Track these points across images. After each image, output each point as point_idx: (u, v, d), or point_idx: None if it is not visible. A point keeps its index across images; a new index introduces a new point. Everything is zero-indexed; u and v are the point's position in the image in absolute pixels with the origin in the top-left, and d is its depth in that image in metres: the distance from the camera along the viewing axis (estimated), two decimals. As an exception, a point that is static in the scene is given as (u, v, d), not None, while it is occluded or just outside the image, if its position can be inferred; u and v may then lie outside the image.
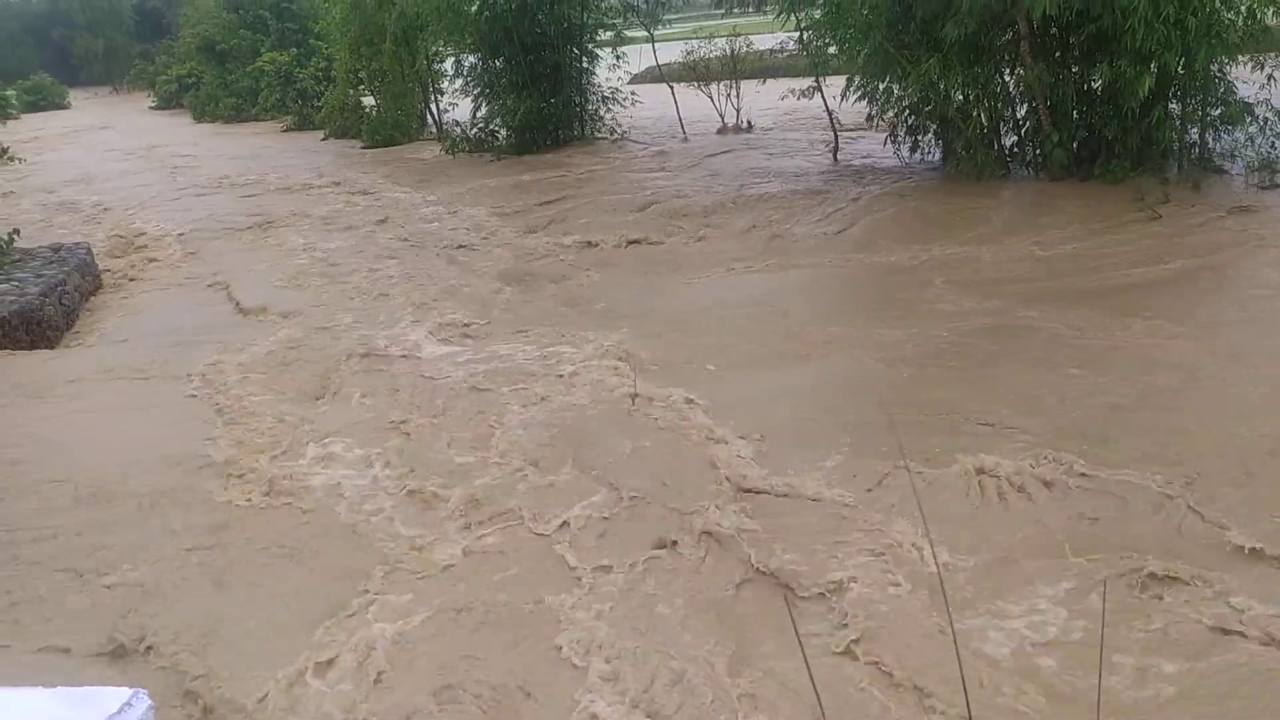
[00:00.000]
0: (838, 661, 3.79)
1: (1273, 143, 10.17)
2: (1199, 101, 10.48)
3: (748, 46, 18.00)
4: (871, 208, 11.16)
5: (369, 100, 23.44)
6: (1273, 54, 10.13)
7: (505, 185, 15.11)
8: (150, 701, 2.12)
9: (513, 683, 3.83)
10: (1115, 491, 4.73)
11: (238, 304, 9.75)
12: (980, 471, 4.98)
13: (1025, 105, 11.46)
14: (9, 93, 28.28)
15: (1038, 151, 11.25)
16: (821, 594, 4.17)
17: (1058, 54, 10.93)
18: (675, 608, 4.20)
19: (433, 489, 5.43)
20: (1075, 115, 10.77)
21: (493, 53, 18.27)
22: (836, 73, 13.84)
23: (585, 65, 18.66)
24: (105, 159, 23.32)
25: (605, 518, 4.98)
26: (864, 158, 13.89)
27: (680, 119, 18.09)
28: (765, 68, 17.71)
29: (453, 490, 5.39)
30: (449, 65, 21.34)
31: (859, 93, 12.82)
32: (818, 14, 13.35)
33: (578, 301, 9.03)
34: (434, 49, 21.47)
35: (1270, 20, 9.93)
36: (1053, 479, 4.88)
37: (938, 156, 12.66)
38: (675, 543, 4.67)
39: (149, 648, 4.21)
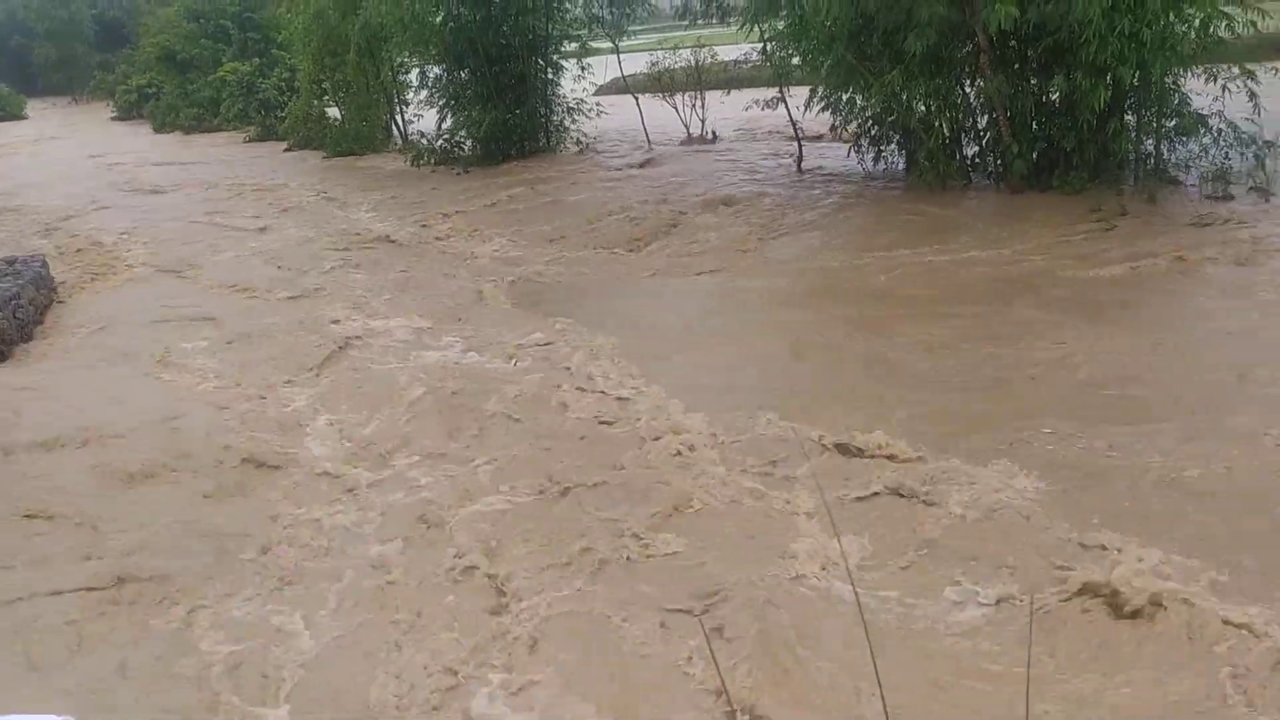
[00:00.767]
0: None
1: (1226, 154, 10.30)
2: (1154, 113, 10.62)
3: (712, 57, 18.03)
4: (833, 216, 11.29)
5: (334, 111, 23.28)
6: (1226, 66, 10.26)
7: (458, 191, 15.52)
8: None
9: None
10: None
11: (189, 317, 9.71)
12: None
13: (986, 116, 11.58)
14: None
15: (999, 162, 11.36)
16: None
17: (1017, 66, 11.05)
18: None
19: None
20: (1034, 126, 10.90)
21: (457, 64, 18.23)
22: (800, 83, 13.90)
23: (550, 76, 18.65)
24: (60, 169, 23.02)
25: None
26: (829, 168, 13.95)
27: (645, 129, 18.10)
28: (730, 78, 17.69)
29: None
30: (414, 76, 21.25)
31: (823, 103, 12.92)
32: (781, 25, 13.39)
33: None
34: (399, 60, 21.37)
35: (1224, 33, 10.06)
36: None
37: (901, 166, 12.75)
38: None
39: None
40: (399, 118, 22.40)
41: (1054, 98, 10.67)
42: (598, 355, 7.49)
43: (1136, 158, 10.90)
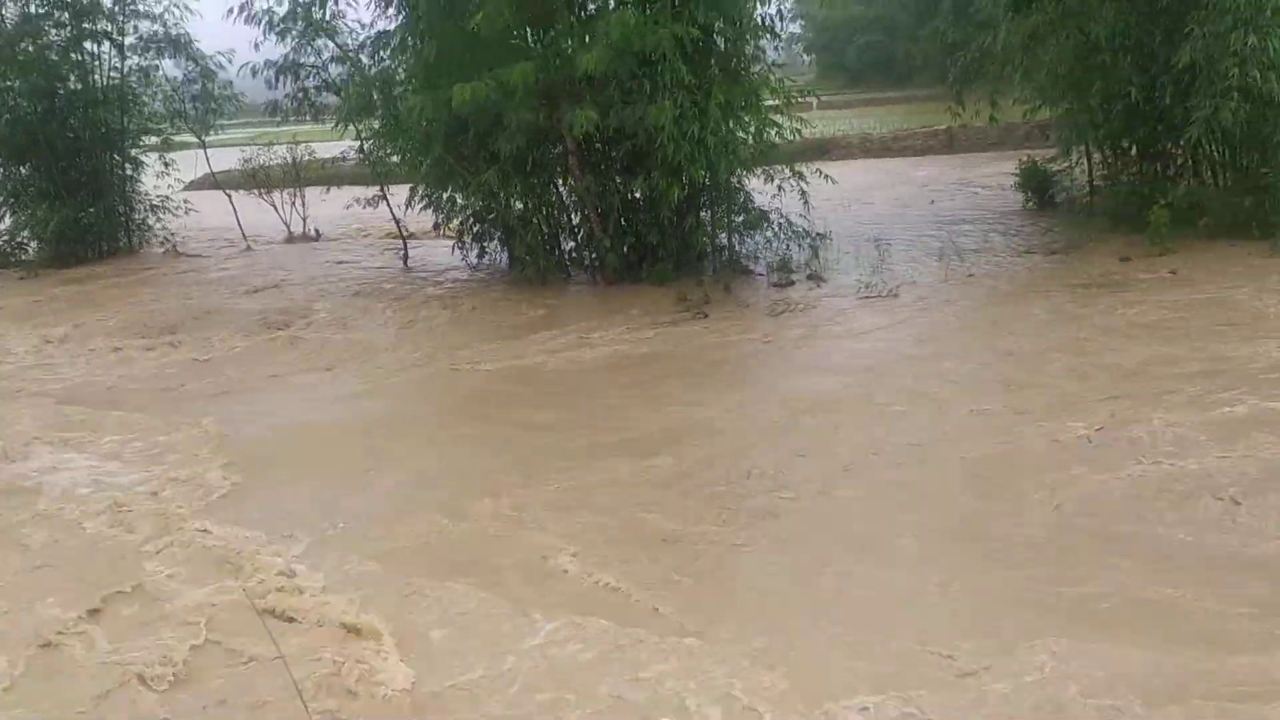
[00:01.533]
0: None
1: (787, 245, 11.62)
2: (724, 210, 11.75)
3: (310, 154, 17.57)
4: (433, 311, 11.33)
5: None
6: (779, 167, 11.64)
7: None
8: None
9: None
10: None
11: None
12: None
13: (579, 213, 12.16)
14: None
15: (593, 256, 11.95)
16: None
17: (603, 167, 11.75)
18: None
19: None
20: (623, 222, 11.57)
21: (17, 158, 16.35)
22: (402, 181, 13.86)
23: (130, 172, 17.22)
24: None
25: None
26: (433, 264, 13.94)
27: (241, 227, 17.16)
28: (331, 175, 17.25)
29: None
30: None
31: (424, 201, 12.97)
32: (376, 125, 13.37)
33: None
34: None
35: (775, 138, 11.41)
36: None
37: (504, 262, 13.03)
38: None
39: None
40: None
41: (638, 196, 11.42)
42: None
43: (714, 249, 11.96)
